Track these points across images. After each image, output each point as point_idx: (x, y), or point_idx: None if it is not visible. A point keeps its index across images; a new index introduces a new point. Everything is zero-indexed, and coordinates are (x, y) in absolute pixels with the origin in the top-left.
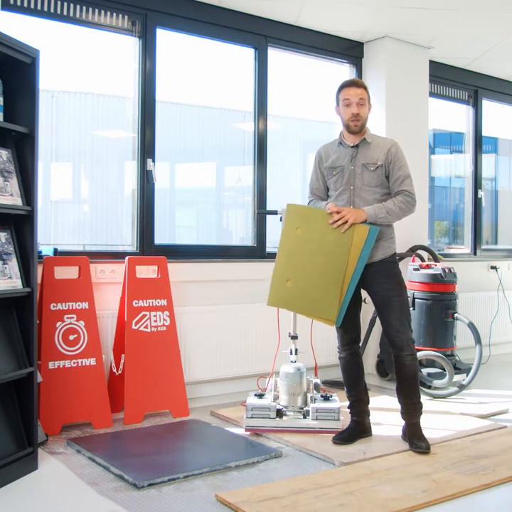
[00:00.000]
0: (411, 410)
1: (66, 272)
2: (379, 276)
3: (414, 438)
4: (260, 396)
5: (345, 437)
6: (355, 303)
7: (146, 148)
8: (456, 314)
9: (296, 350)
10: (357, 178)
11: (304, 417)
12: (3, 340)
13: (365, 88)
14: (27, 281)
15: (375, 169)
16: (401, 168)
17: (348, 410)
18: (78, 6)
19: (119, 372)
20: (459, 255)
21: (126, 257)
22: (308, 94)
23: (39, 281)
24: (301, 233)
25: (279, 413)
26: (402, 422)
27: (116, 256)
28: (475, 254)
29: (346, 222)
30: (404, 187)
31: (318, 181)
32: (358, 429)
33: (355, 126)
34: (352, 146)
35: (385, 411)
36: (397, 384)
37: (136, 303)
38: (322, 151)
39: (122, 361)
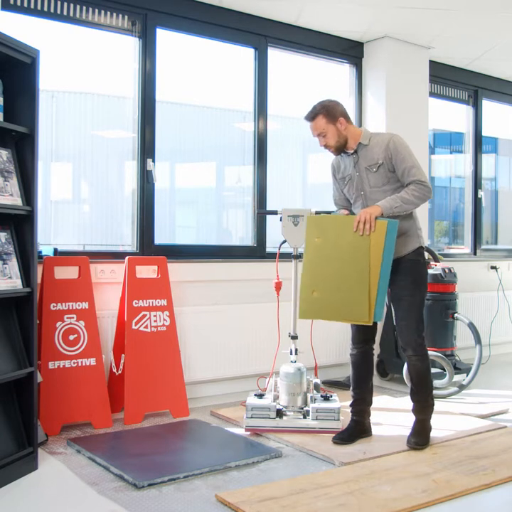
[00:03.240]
0: (417, 408)
1: (66, 272)
2: (397, 273)
3: (412, 433)
4: (260, 396)
5: (345, 437)
6: None
7: (146, 148)
8: (456, 314)
9: (296, 350)
10: (364, 183)
11: (304, 417)
12: (3, 340)
13: (319, 115)
14: (27, 281)
15: (377, 169)
16: (404, 160)
17: (349, 408)
18: (78, 6)
19: (119, 372)
20: (459, 255)
21: (126, 257)
22: (308, 94)
23: (39, 281)
24: (320, 242)
25: (279, 413)
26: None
27: (116, 256)
28: (475, 254)
29: (369, 224)
30: (413, 177)
31: (338, 192)
32: (357, 429)
33: (332, 152)
34: (352, 153)
35: (385, 411)
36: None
37: (136, 303)
38: (334, 162)
39: (122, 361)
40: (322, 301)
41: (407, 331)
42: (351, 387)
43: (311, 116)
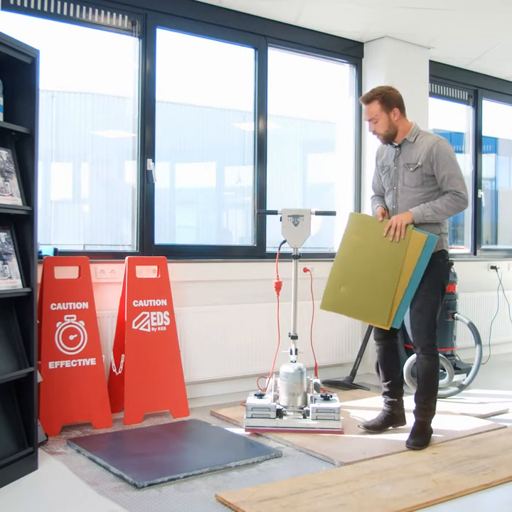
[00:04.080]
0: (417, 408)
1: (66, 272)
2: None
3: (412, 434)
4: (260, 396)
5: (369, 425)
6: None
7: (146, 148)
8: (456, 314)
9: (296, 350)
10: (399, 178)
11: (304, 417)
12: (3, 340)
13: (375, 100)
14: (27, 281)
15: (414, 170)
16: (445, 167)
17: (382, 399)
18: (78, 6)
19: (119, 372)
20: (459, 255)
21: (126, 257)
22: (308, 94)
23: (39, 281)
24: (358, 240)
25: (279, 413)
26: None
27: (116, 256)
28: (475, 254)
29: (399, 231)
30: (451, 186)
31: (377, 178)
32: (386, 420)
33: (380, 140)
34: (396, 146)
35: None
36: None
37: (136, 303)
38: (379, 149)
39: (122, 361)
40: (347, 296)
41: (418, 331)
42: (380, 380)
43: (367, 99)
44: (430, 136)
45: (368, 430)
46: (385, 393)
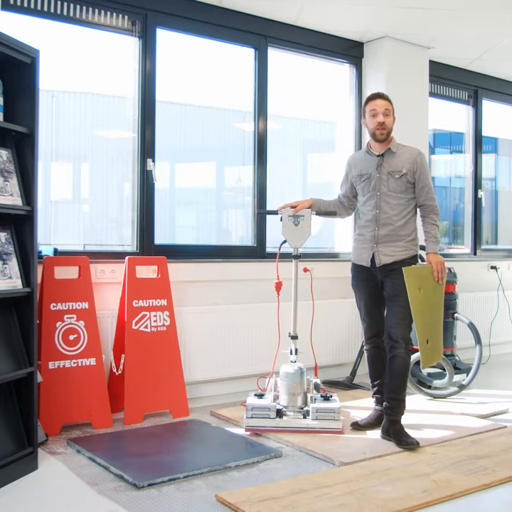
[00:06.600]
0: (395, 406)
1: (66, 272)
2: (395, 273)
3: (401, 435)
4: (260, 396)
5: (362, 423)
6: (381, 302)
7: (146, 148)
8: (456, 314)
9: (296, 350)
10: (383, 185)
11: (304, 417)
12: (3, 340)
13: (390, 101)
14: (27, 281)
15: (399, 177)
16: (426, 177)
17: (373, 399)
18: (78, 6)
19: (119, 372)
20: (459, 255)
21: (126, 257)
22: (308, 94)
23: (39, 281)
24: (423, 293)
25: (279, 413)
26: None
27: (116, 256)
28: (475, 254)
29: (444, 271)
30: (428, 201)
31: (345, 186)
32: (378, 418)
33: (381, 135)
34: (378, 155)
35: None
36: (387, 378)
37: (136, 303)
38: (351, 160)
39: (122, 361)
40: (432, 347)
41: (402, 327)
42: (370, 380)
43: (385, 96)
44: (410, 147)
45: (356, 427)
46: (375, 393)
